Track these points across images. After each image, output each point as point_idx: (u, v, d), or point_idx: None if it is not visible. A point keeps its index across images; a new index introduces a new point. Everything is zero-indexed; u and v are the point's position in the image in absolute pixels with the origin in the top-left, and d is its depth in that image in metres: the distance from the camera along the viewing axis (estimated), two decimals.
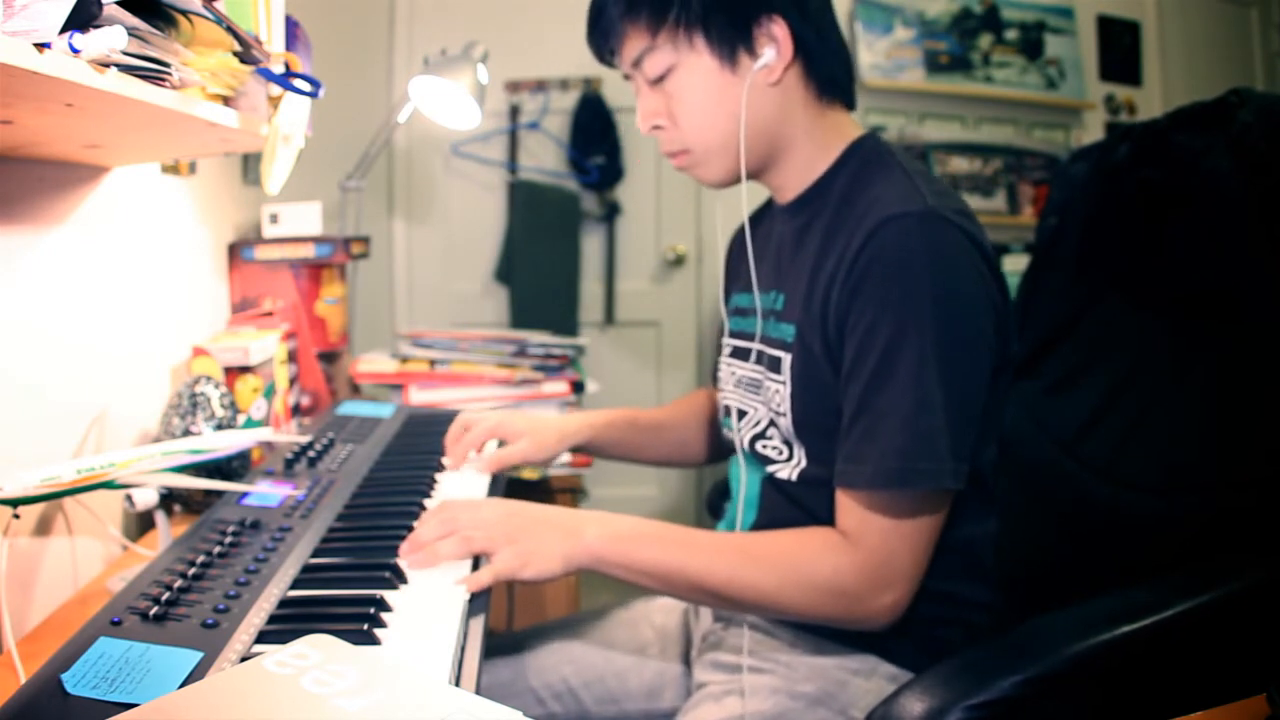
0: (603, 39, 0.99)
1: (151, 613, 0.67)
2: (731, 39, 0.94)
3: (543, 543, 0.87)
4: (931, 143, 2.77)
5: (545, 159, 2.64)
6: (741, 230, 1.17)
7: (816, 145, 0.99)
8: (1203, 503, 1.02)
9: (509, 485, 1.21)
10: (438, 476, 1.13)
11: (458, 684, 0.66)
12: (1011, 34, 2.84)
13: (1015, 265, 2.62)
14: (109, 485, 0.80)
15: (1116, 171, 1.19)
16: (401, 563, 0.84)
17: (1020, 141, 2.84)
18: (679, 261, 2.72)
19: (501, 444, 1.23)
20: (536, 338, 1.82)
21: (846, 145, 0.99)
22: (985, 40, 2.82)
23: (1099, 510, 1.13)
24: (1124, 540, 1.09)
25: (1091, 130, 2.89)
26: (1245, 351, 1.02)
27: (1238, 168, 1.02)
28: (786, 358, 0.96)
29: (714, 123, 0.97)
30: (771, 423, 0.99)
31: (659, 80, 0.97)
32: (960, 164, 2.80)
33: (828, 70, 0.98)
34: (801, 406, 0.94)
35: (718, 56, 0.94)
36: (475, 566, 0.85)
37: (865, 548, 0.87)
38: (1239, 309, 1.03)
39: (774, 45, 0.94)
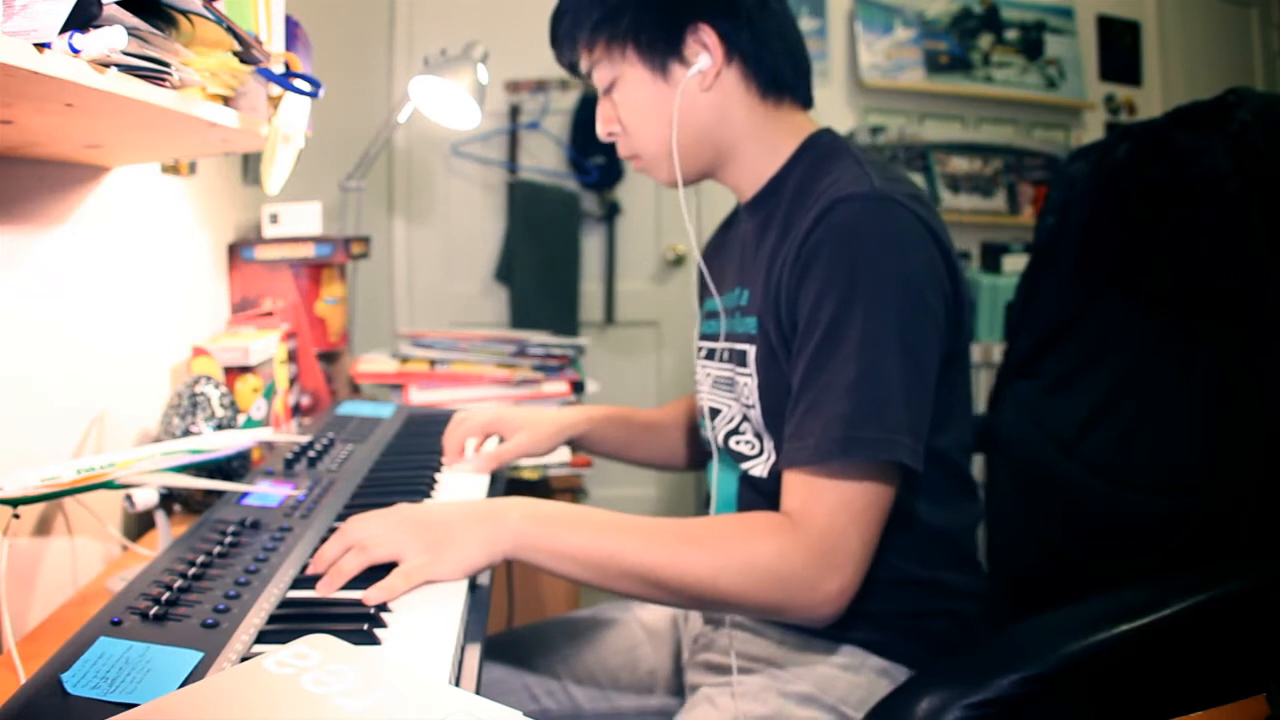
0: (559, 53, 1.06)
1: (151, 613, 0.67)
2: (662, 51, 0.97)
3: (457, 536, 0.81)
4: (931, 143, 2.77)
5: (545, 159, 2.64)
6: (714, 236, 1.20)
7: (765, 145, 1.01)
8: (1203, 503, 1.02)
9: (509, 485, 1.22)
10: (438, 476, 1.13)
11: (458, 684, 0.66)
12: (1011, 34, 2.84)
13: (1015, 265, 2.62)
14: (109, 485, 0.80)
15: (1116, 171, 1.19)
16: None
17: (1020, 141, 2.85)
18: (679, 261, 2.72)
19: (500, 441, 1.23)
20: (536, 338, 1.82)
21: (800, 141, 1.01)
22: (985, 40, 2.83)
23: (1099, 510, 1.13)
24: (1124, 540, 1.09)
25: (1091, 130, 2.89)
26: (1245, 351, 1.02)
27: (1237, 167, 1.02)
28: (751, 350, 0.96)
29: (654, 130, 1.00)
30: (744, 418, 0.99)
31: (608, 90, 1.02)
32: (960, 164, 2.80)
33: (769, 70, 0.99)
34: (768, 397, 0.94)
35: (650, 69, 0.98)
36: (473, 585, 0.82)
37: (812, 528, 0.82)
38: (1238, 308, 1.03)
39: (705, 51, 0.96)
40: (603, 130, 1.05)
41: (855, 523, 0.83)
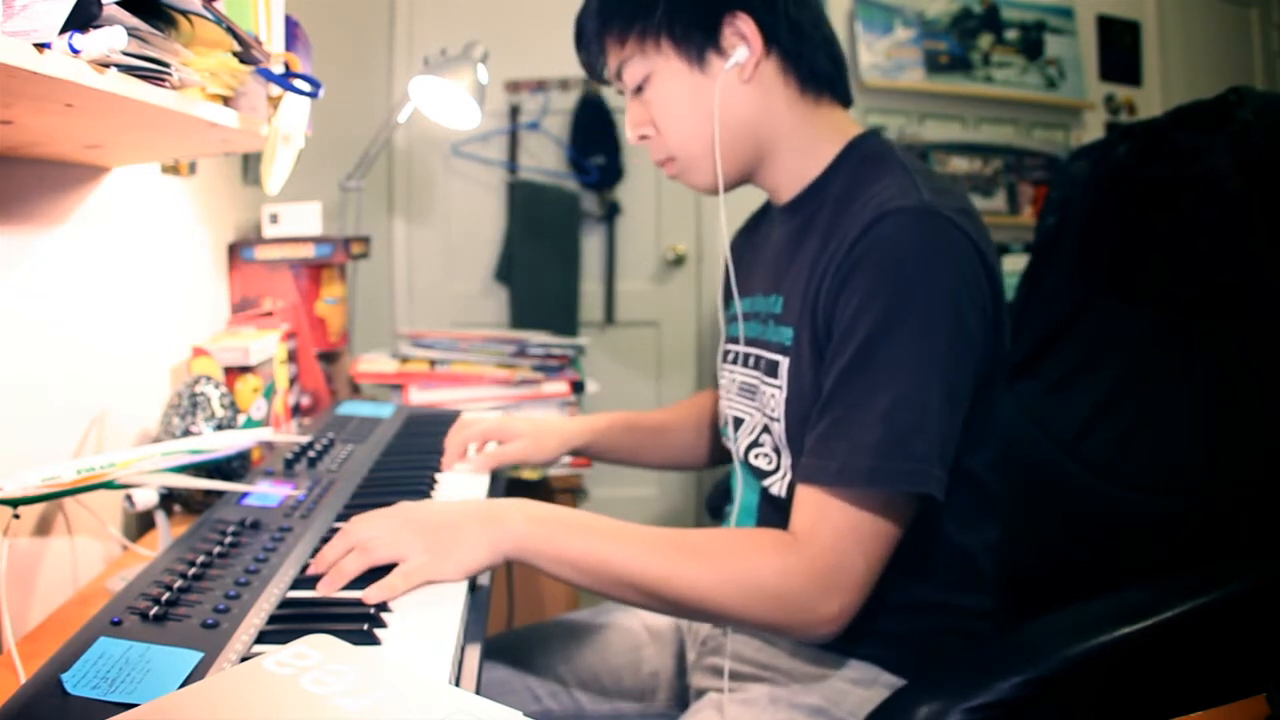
0: (586, 55, 1.02)
1: (151, 613, 0.67)
2: (699, 41, 0.94)
3: (459, 537, 0.81)
4: (931, 143, 2.77)
5: (545, 159, 2.64)
6: (742, 233, 1.17)
7: (807, 143, 0.98)
8: (1203, 503, 1.01)
9: (509, 486, 1.22)
10: (438, 476, 1.13)
11: (458, 684, 0.66)
12: (1011, 34, 2.84)
13: (1015, 265, 2.62)
14: (109, 485, 0.80)
15: (1117, 170, 1.19)
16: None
17: (1020, 141, 2.84)
18: (679, 261, 2.72)
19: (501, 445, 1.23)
20: (536, 338, 1.82)
21: (845, 143, 0.97)
22: (985, 40, 2.83)
23: (1099, 510, 1.13)
24: (1124, 540, 1.09)
25: (1091, 130, 2.89)
26: (1245, 350, 1.02)
27: (1238, 166, 1.02)
28: (784, 361, 0.93)
29: (693, 126, 0.96)
30: (765, 429, 0.96)
31: (639, 90, 0.98)
32: (960, 164, 2.80)
33: (807, 63, 0.96)
34: (794, 410, 0.91)
35: (687, 60, 0.95)
36: (473, 586, 0.82)
37: (816, 548, 0.81)
38: (1239, 308, 1.03)
39: (743, 42, 0.94)
40: (633, 133, 1.01)
41: (861, 548, 0.81)
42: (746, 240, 1.14)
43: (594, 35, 0.99)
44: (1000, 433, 0.97)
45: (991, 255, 0.88)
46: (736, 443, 1.02)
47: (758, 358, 0.99)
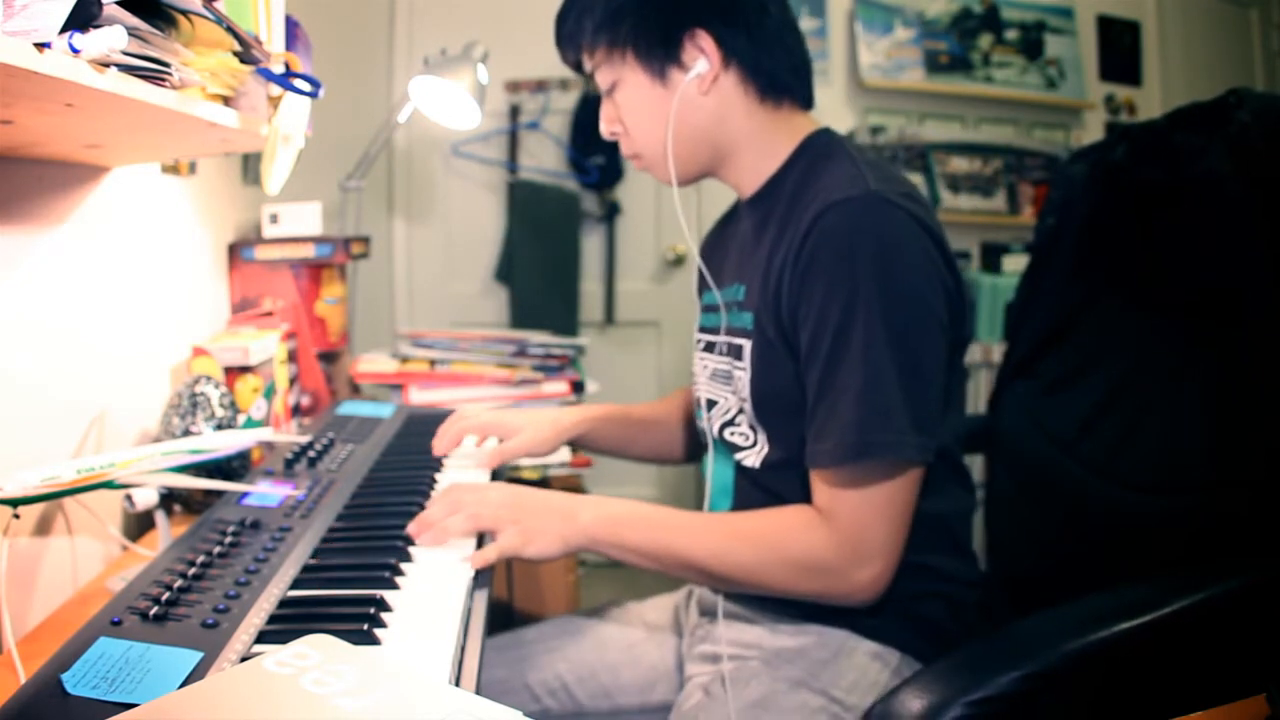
0: (564, 55, 1.08)
1: (151, 613, 0.67)
2: (660, 57, 0.99)
3: (544, 523, 0.92)
4: (931, 143, 2.77)
5: (545, 159, 2.64)
6: (713, 230, 1.22)
7: (764, 146, 1.02)
8: (1203, 503, 1.02)
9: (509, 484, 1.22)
10: (438, 476, 1.13)
11: (458, 684, 0.66)
12: (1011, 34, 2.84)
13: (1015, 265, 2.62)
14: (109, 485, 0.80)
15: (1114, 171, 1.19)
16: (412, 547, 0.87)
17: (1020, 141, 2.85)
18: (679, 261, 2.72)
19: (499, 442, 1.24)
20: (536, 338, 1.82)
21: (799, 142, 1.02)
22: (985, 40, 2.83)
23: (1099, 510, 1.13)
24: (1124, 540, 1.09)
25: (1091, 130, 2.89)
26: (1244, 351, 1.02)
27: (1236, 167, 1.02)
28: (747, 344, 0.99)
29: (654, 132, 1.02)
30: (740, 410, 1.02)
31: (610, 92, 1.04)
32: (960, 164, 2.80)
33: (767, 74, 1.00)
34: (760, 390, 0.98)
35: (649, 74, 1.00)
36: (474, 586, 0.83)
37: (838, 523, 0.89)
38: (1238, 308, 1.03)
39: (702, 56, 0.98)
40: (606, 130, 1.08)
41: (879, 516, 0.89)
42: (719, 237, 1.19)
43: (568, 38, 1.05)
44: (962, 403, 1.04)
45: (941, 234, 0.93)
46: (710, 422, 1.07)
47: (728, 344, 1.04)
